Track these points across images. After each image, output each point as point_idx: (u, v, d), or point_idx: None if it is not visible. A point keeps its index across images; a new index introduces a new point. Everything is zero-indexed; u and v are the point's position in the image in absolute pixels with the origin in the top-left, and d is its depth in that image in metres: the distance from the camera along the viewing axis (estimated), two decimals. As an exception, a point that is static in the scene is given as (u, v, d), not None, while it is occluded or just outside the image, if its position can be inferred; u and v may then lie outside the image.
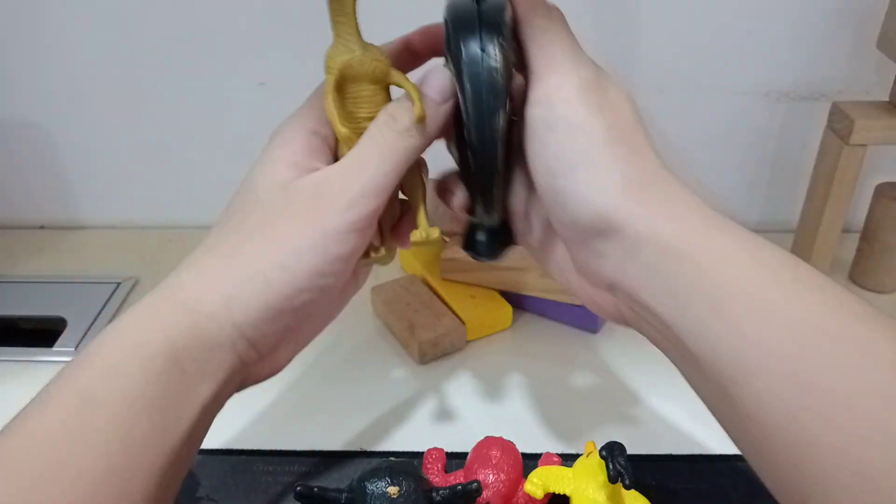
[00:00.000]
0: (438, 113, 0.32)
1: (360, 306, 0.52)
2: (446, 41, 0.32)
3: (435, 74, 0.33)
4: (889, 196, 0.52)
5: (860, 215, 0.55)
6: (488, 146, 0.31)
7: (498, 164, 0.32)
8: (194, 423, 0.29)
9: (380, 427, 0.44)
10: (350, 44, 0.32)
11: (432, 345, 0.48)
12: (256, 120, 0.57)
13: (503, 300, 0.51)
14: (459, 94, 0.31)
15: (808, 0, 0.53)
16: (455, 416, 0.45)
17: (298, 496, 0.34)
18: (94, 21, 0.54)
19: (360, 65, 0.32)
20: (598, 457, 0.37)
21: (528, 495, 0.37)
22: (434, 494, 0.35)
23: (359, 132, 0.33)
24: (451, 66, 0.32)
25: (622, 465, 0.36)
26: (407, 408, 0.45)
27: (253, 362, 0.32)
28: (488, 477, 0.37)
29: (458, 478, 0.38)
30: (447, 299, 0.51)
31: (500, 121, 0.31)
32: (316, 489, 0.35)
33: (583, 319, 0.51)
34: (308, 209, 0.31)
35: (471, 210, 0.34)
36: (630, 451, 0.41)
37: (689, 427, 0.44)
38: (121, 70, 0.56)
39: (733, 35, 0.55)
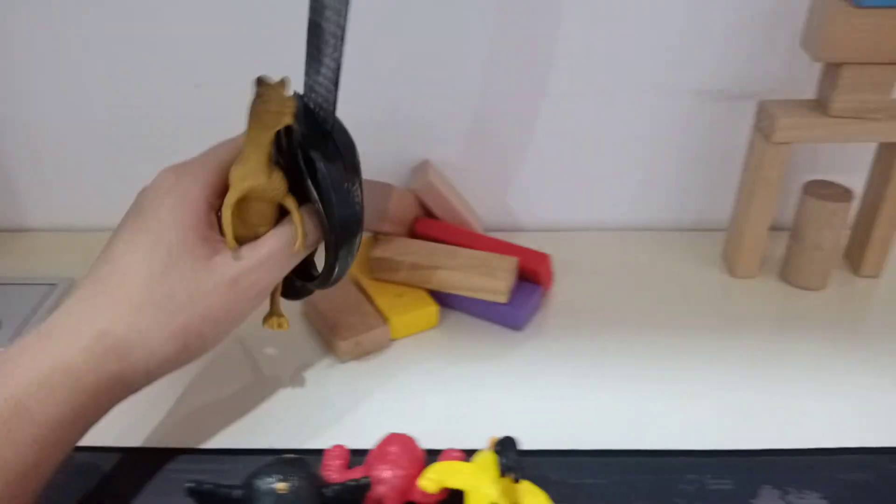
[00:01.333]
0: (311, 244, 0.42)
1: (287, 305, 0.52)
2: (313, 181, 0.40)
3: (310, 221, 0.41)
4: (815, 194, 0.52)
5: (792, 214, 0.55)
6: (347, 258, 0.42)
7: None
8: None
9: (296, 425, 0.44)
10: (257, 171, 0.38)
11: (355, 344, 0.48)
12: (193, 121, 0.59)
13: (430, 299, 0.52)
14: (328, 222, 0.40)
15: (741, 0, 0.54)
16: (372, 414, 0.45)
17: (189, 492, 0.35)
18: (28, 24, 0.55)
19: (262, 191, 0.39)
20: (493, 451, 0.38)
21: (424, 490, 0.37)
22: (324, 490, 0.35)
23: (250, 236, 0.40)
24: (318, 201, 0.40)
25: (513, 460, 0.37)
26: (326, 407, 0.46)
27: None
28: (385, 473, 0.37)
29: (355, 474, 0.38)
30: (374, 298, 0.51)
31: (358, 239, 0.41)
32: (206, 485, 0.35)
33: (507, 317, 0.52)
34: (226, 293, 0.39)
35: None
36: (538, 446, 0.42)
37: (596, 422, 0.44)
38: (60, 74, 0.57)
39: (667, 35, 0.55)
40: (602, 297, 0.55)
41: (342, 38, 0.37)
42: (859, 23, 0.46)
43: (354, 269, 0.54)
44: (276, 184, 0.39)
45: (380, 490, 0.37)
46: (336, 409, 0.45)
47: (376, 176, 0.56)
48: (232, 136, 0.41)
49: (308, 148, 0.39)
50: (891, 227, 0.54)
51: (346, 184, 0.40)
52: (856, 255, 0.57)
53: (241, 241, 0.39)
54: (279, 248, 0.40)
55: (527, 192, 0.62)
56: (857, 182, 0.55)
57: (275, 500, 0.35)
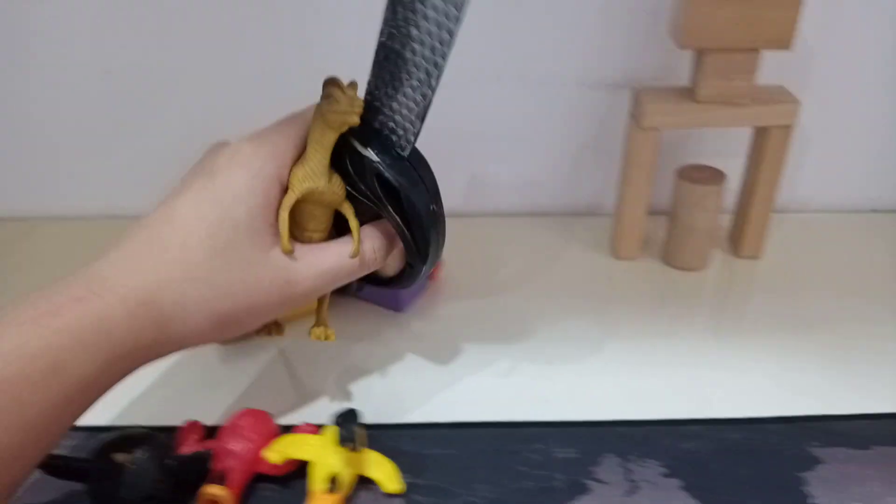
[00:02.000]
0: (369, 264, 0.40)
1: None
2: (393, 199, 0.38)
3: (371, 242, 0.40)
4: (687, 177, 0.54)
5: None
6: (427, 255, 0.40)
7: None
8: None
9: (169, 403, 0.46)
10: (318, 173, 0.37)
11: (234, 324, 0.50)
12: (102, 108, 0.60)
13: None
14: (415, 245, 0.39)
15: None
16: (244, 393, 0.47)
17: (43, 468, 0.37)
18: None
19: (321, 194, 0.38)
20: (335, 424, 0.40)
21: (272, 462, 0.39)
22: (168, 461, 0.37)
23: (303, 239, 0.39)
24: (393, 214, 0.38)
25: (350, 431, 0.39)
26: (202, 385, 0.47)
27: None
28: (232, 445, 0.39)
29: (207, 448, 0.40)
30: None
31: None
32: (59, 460, 0.37)
33: (387, 299, 0.53)
34: (277, 292, 0.37)
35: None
36: (395, 420, 0.44)
37: (456, 397, 0.46)
38: None
39: (550, 26, 0.56)
40: (489, 281, 0.57)
41: (437, 76, 0.35)
42: (720, 10, 0.48)
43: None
44: (335, 188, 0.38)
45: (228, 462, 0.39)
46: (213, 388, 0.47)
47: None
48: (302, 110, 0.39)
49: (387, 172, 0.37)
50: (766, 209, 0.56)
51: (431, 206, 0.38)
52: (736, 237, 0.59)
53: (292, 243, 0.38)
54: (341, 262, 0.39)
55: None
56: (740, 166, 0.57)
57: (120, 472, 0.36)
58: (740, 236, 0.58)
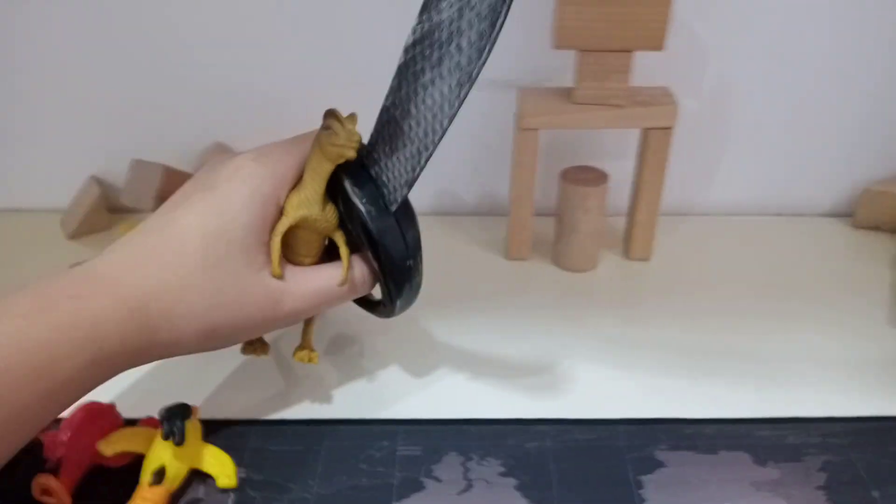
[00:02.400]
0: (357, 290, 0.41)
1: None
2: (374, 248, 0.39)
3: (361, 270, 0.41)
4: (571, 179, 0.54)
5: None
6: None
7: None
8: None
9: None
10: (313, 201, 0.38)
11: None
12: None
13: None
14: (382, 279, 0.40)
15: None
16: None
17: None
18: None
19: (314, 222, 0.39)
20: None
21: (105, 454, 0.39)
22: None
23: (294, 263, 0.40)
24: (372, 259, 0.39)
25: (175, 425, 0.39)
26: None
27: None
28: (63, 436, 0.39)
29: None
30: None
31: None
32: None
33: None
34: (269, 310, 0.38)
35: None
36: (245, 416, 0.44)
37: (310, 393, 0.46)
38: None
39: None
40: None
41: (426, 156, 0.37)
42: (590, 10, 0.48)
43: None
44: (329, 216, 0.39)
45: (61, 452, 0.39)
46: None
47: (165, 158, 0.58)
48: (307, 133, 0.40)
49: (371, 223, 0.38)
50: (652, 211, 0.56)
51: (408, 261, 0.39)
52: (627, 239, 0.59)
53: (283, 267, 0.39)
54: (330, 286, 0.39)
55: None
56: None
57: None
58: (630, 238, 0.58)
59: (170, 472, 0.38)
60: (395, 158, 0.38)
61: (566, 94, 0.53)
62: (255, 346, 0.45)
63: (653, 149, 0.53)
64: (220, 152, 0.60)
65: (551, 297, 0.55)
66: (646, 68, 0.54)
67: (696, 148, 0.61)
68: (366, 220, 0.38)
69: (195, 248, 0.36)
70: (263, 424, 0.44)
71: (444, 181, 0.63)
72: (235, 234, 0.36)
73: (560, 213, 0.55)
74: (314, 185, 0.38)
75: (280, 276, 0.38)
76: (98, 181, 0.63)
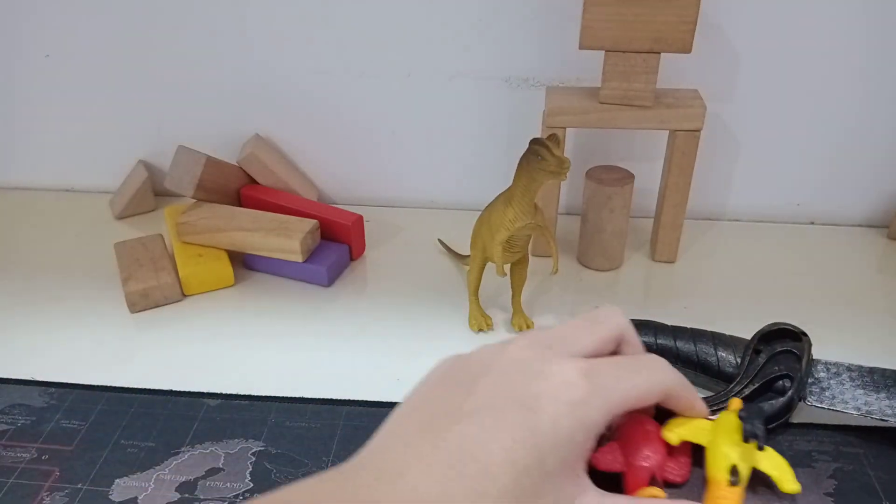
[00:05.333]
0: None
1: (105, 260, 0.58)
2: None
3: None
4: (595, 178, 0.55)
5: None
6: None
7: None
8: None
9: (61, 359, 0.49)
10: (525, 214, 0.46)
11: (142, 295, 0.53)
12: (43, 91, 0.64)
13: (226, 259, 0.56)
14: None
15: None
16: (157, 361, 0.50)
17: None
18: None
19: (525, 227, 0.47)
20: (736, 416, 0.40)
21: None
22: None
23: (510, 258, 0.49)
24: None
25: (758, 427, 0.39)
26: (104, 346, 0.50)
27: None
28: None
29: None
30: (176, 257, 0.56)
31: None
32: None
33: (308, 274, 0.56)
34: None
35: None
36: (323, 395, 0.46)
37: (347, 374, 0.48)
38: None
39: (476, 21, 0.58)
40: (409, 265, 0.59)
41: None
42: (614, 11, 0.48)
43: (167, 231, 0.59)
44: (539, 219, 0.47)
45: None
46: (117, 352, 0.50)
47: (208, 147, 0.60)
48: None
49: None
50: (678, 213, 0.56)
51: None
52: (653, 241, 0.59)
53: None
54: None
55: (368, 169, 0.66)
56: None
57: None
58: (656, 240, 0.58)
59: (743, 473, 0.38)
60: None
61: (593, 93, 0.53)
62: (480, 321, 0.51)
63: (680, 151, 0.53)
64: (259, 144, 0.62)
65: (575, 294, 0.56)
66: (676, 70, 0.54)
67: (726, 152, 0.61)
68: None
69: (504, 487, 0.28)
70: (284, 401, 0.46)
71: (472, 178, 0.65)
72: (553, 469, 0.30)
73: (585, 212, 0.56)
74: (526, 200, 0.45)
75: (504, 274, 0.47)
76: (146, 165, 0.67)
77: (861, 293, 0.55)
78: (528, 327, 0.51)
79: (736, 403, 0.41)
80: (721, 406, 0.43)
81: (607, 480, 0.39)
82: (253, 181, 0.61)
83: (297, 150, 0.65)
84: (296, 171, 0.65)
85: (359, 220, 0.58)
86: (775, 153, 0.61)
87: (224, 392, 0.46)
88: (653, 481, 0.38)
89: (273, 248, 0.55)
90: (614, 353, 0.36)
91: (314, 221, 0.56)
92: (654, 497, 0.37)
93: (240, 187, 0.61)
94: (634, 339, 0.37)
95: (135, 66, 0.62)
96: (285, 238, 0.54)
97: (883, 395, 0.43)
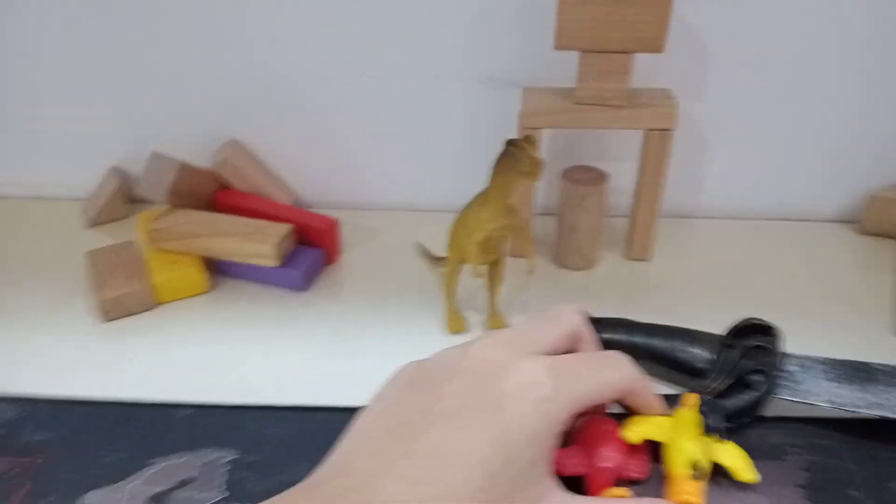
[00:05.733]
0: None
1: (77, 268, 0.57)
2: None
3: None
4: (571, 178, 0.55)
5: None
6: None
7: None
8: None
9: (32, 370, 0.49)
10: (501, 214, 0.46)
11: (115, 303, 0.52)
12: (12, 97, 0.63)
13: (200, 266, 0.55)
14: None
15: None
16: (129, 369, 0.49)
17: None
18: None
19: (501, 228, 0.46)
20: (695, 411, 0.41)
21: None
22: None
23: (486, 259, 0.48)
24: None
25: (717, 421, 0.40)
26: (75, 356, 0.50)
27: None
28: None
29: None
30: (150, 264, 0.55)
31: None
32: None
33: (284, 279, 0.56)
34: None
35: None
36: (300, 401, 0.46)
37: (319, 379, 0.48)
38: None
39: (455, 22, 0.58)
40: (385, 269, 0.59)
41: None
42: (589, 11, 0.49)
43: (140, 238, 0.58)
44: (514, 220, 0.47)
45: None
46: (85, 359, 0.49)
47: (183, 152, 0.60)
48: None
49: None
50: (652, 211, 0.56)
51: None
52: (628, 240, 0.59)
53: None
54: None
55: (344, 172, 0.66)
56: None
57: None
58: (630, 239, 0.58)
59: (704, 467, 0.39)
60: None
61: (569, 94, 0.54)
62: (456, 323, 0.51)
63: (653, 150, 0.53)
64: (233, 148, 0.62)
65: (551, 294, 0.56)
66: (649, 70, 0.55)
67: (699, 150, 0.62)
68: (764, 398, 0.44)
69: (475, 489, 0.29)
70: (260, 409, 0.45)
71: (449, 179, 0.65)
72: (521, 469, 0.30)
73: (560, 211, 0.56)
74: (502, 201, 0.45)
75: (482, 275, 0.47)
76: (119, 172, 0.66)
77: (833, 287, 0.56)
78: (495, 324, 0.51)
79: (692, 399, 0.41)
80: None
81: (570, 484, 0.39)
82: (227, 186, 0.61)
83: (271, 154, 0.65)
84: (270, 175, 0.64)
85: (334, 223, 0.58)
86: (747, 151, 0.62)
87: (198, 401, 0.46)
88: (616, 481, 0.38)
89: (247, 254, 0.55)
90: (570, 350, 0.37)
91: (289, 226, 0.56)
92: (619, 497, 0.37)
93: (214, 192, 0.60)
94: (590, 336, 0.38)
95: (107, 70, 0.62)
96: (259, 243, 0.54)
97: (855, 387, 0.44)
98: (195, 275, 0.55)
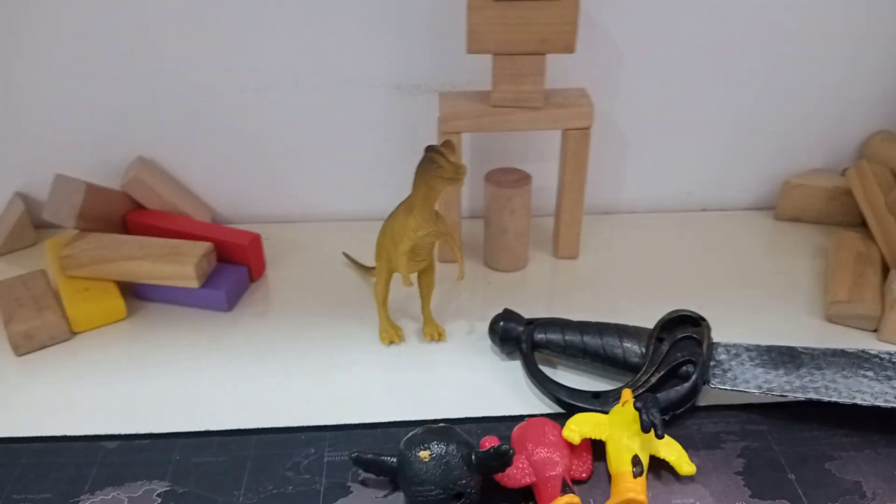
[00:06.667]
0: None
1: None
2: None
3: None
4: (494, 181, 0.55)
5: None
6: None
7: None
8: None
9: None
10: (428, 222, 0.45)
11: (26, 337, 0.49)
12: None
13: (116, 291, 0.53)
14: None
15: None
16: (44, 405, 0.46)
17: (356, 461, 0.39)
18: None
19: (428, 235, 0.46)
20: (632, 407, 0.41)
21: None
22: (473, 455, 0.37)
23: (415, 267, 0.48)
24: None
25: (655, 416, 0.40)
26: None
27: None
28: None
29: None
30: (62, 293, 0.52)
31: None
32: (371, 455, 0.39)
33: (209, 300, 0.53)
34: None
35: None
36: (230, 425, 0.44)
37: (243, 401, 0.46)
38: None
39: (363, 29, 0.57)
40: (312, 282, 0.57)
41: None
42: (498, 15, 0.49)
43: (50, 266, 0.55)
44: (441, 227, 0.46)
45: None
46: (4, 400, 0.46)
47: (89, 174, 0.57)
48: None
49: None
50: (575, 210, 0.57)
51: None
52: (555, 239, 0.60)
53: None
54: None
55: (263, 185, 0.64)
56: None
57: (422, 465, 0.37)
58: (557, 237, 0.59)
59: (644, 463, 0.39)
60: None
61: (486, 97, 0.53)
62: (390, 333, 0.50)
63: (572, 149, 0.54)
64: (143, 166, 0.59)
65: (484, 297, 0.56)
66: (564, 71, 0.55)
67: (619, 147, 0.63)
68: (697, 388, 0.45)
69: None
70: (188, 437, 0.43)
71: (372, 187, 0.64)
72: None
73: (487, 214, 0.56)
74: (427, 207, 0.45)
75: (412, 284, 0.47)
76: (23, 197, 0.62)
77: (753, 274, 0.58)
78: (439, 336, 0.51)
79: (627, 395, 0.42)
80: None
81: (521, 495, 0.39)
82: (139, 206, 0.58)
83: (185, 170, 0.62)
84: (185, 192, 0.62)
85: (256, 238, 0.56)
86: (664, 145, 0.63)
87: (123, 433, 0.44)
88: (564, 486, 0.38)
89: (166, 276, 0.52)
90: None
91: (208, 244, 0.54)
92: None
93: (125, 213, 0.58)
94: None
95: (3, 92, 0.58)
96: (178, 264, 0.52)
97: (781, 371, 0.45)
98: (111, 302, 0.52)
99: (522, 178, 0.55)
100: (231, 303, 0.54)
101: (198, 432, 0.44)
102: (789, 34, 0.59)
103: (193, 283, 0.52)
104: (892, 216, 0.55)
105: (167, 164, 0.62)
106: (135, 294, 0.55)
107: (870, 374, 0.44)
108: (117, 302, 0.52)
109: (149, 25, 0.56)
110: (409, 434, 0.39)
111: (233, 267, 0.55)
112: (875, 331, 0.51)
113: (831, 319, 0.52)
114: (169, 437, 0.43)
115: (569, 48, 0.50)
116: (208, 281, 0.53)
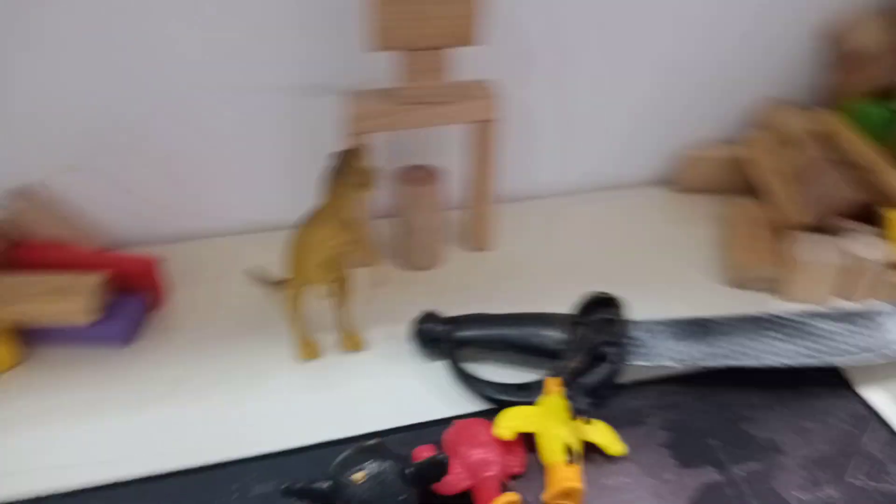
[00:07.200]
0: None
1: None
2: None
3: None
4: (404, 179, 0.54)
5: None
6: None
7: None
8: None
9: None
10: (339, 230, 0.43)
11: None
12: None
13: (7, 337, 0.48)
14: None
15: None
16: None
17: (286, 493, 0.35)
18: None
19: (343, 244, 0.44)
20: (558, 396, 0.42)
21: None
22: (406, 470, 0.36)
23: (330, 278, 0.46)
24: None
25: (581, 402, 0.42)
26: None
27: None
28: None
29: None
30: (-59, 344, 0.47)
31: None
32: (301, 484, 0.35)
33: (106, 336, 0.50)
34: None
35: None
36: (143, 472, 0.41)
37: (169, 439, 0.43)
38: None
39: (255, 31, 0.54)
40: (220, 303, 0.54)
41: None
42: (396, 10, 0.47)
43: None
44: (355, 234, 0.44)
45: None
46: None
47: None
48: None
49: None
50: (486, 201, 0.56)
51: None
52: (469, 232, 0.59)
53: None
54: None
55: (156, 204, 0.60)
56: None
57: (360, 488, 0.35)
58: (471, 230, 0.58)
59: (576, 450, 0.40)
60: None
61: (390, 95, 0.52)
62: (307, 349, 0.48)
63: (478, 142, 0.53)
64: (17, 196, 0.54)
65: (402, 299, 0.54)
66: (471, 63, 0.54)
67: (529, 134, 0.63)
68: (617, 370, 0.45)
69: None
70: (98, 490, 0.40)
71: (277, 196, 0.61)
72: None
73: (400, 213, 0.55)
74: (338, 216, 0.43)
75: (328, 296, 0.46)
76: None
77: (661, 247, 0.59)
78: (358, 345, 0.49)
79: (553, 384, 0.42)
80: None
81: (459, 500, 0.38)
82: (21, 240, 0.53)
83: (66, 194, 0.57)
84: (69, 219, 0.57)
85: (152, 263, 0.53)
86: (569, 129, 0.64)
87: (24, 494, 0.40)
88: (502, 486, 0.38)
89: (55, 315, 0.48)
90: None
91: (100, 275, 0.50)
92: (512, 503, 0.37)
93: (5, 250, 0.53)
94: None
95: None
96: (66, 300, 0.48)
97: (692, 341, 0.47)
98: (1, 349, 0.48)
99: (432, 174, 0.54)
100: (130, 335, 0.50)
101: (106, 485, 0.40)
102: (680, 14, 0.60)
103: (86, 319, 0.48)
104: (786, 182, 0.58)
105: (45, 189, 0.56)
106: (28, 337, 0.50)
107: (775, 334, 0.46)
108: (8, 349, 0.48)
109: (29, 45, 0.51)
110: (340, 457, 0.37)
111: (130, 297, 0.52)
112: (777, 292, 0.54)
113: (735, 284, 0.54)
114: (76, 494, 0.40)
115: (468, 40, 0.48)
116: (103, 315, 0.50)
